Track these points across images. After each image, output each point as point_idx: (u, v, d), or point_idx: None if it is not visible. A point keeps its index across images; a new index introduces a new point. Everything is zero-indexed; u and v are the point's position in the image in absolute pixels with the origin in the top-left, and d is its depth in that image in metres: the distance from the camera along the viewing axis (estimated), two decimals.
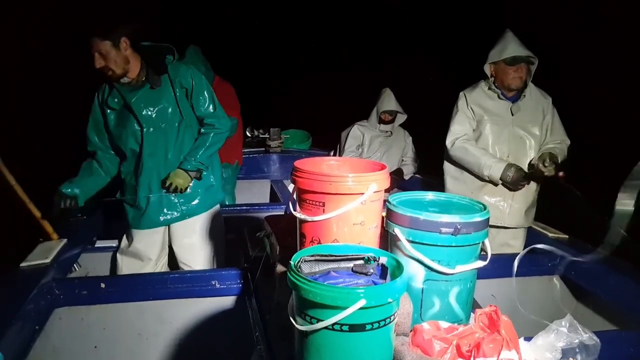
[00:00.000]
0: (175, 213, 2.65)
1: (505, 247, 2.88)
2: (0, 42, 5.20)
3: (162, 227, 2.70)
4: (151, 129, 2.51)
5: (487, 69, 2.85)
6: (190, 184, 2.59)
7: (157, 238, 2.72)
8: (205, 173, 2.66)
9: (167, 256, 2.83)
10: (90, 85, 2.72)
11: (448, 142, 2.92)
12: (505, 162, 2.76)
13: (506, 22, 2.90)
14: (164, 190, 2.57)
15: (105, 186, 2.69)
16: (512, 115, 2.82)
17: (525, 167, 2.82)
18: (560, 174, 2.61)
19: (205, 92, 2.57)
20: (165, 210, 2.63)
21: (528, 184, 2.75)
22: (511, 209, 2.84)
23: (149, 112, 2.49)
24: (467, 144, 2.86)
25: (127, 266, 2.72)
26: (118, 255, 2.75)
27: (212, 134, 2.60)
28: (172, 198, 2.62)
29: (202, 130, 2.63)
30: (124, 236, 2.77)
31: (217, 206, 2.85)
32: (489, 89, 2.87)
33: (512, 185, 2.75)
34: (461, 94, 2.95)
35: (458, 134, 2.90)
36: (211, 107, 2.59)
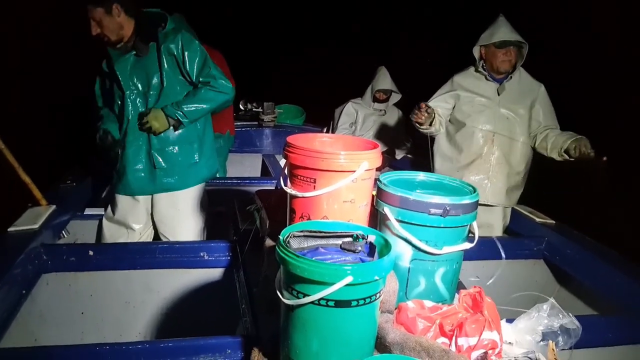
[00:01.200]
0: (154, 184, 2.62)
1: (487, 227, 2.91)
2: (0, 42, 5.11)
3: (144, 196, 2.68)
4: (133, 96, 2.52)
5: (477, 51, 2.92)
6: (167, 130, 2.53)
7: (140, 208, 2.70)
8: (183, 132, 2.57)
9: (152, 230, 2.81)
10: (91, 85, 2.72)
11: None
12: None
13: (506, 7, 2.91)
14: (140, 126, 2.53)
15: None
16: (498, 95, 2.87)
17: (513, 148, 2.88)
18: (604, 158, 2.60)
19: (199, 56, 2.51)
20: (144, 179, 2.61)
21: (424, 124, 2.76)
22: (494, 187, 2.89)
23: (132, 79, 2.50)
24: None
25: (109, 233, 2.71)
26: (103, 221, 2.75)
27: (203, 89, 2.53)
28: (152, 170, 2.59)
29: (199, 85, 2.56)
30: (110, 203, 2.75)
31: (201, 185, 2.78)
32: (476, 70, 2.94)
33: (411, 117, 2.79)
34: (452, 77, 3.03)
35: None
36: (206, 69, 2.53)
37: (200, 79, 2.53)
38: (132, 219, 2.70)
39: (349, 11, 9.88)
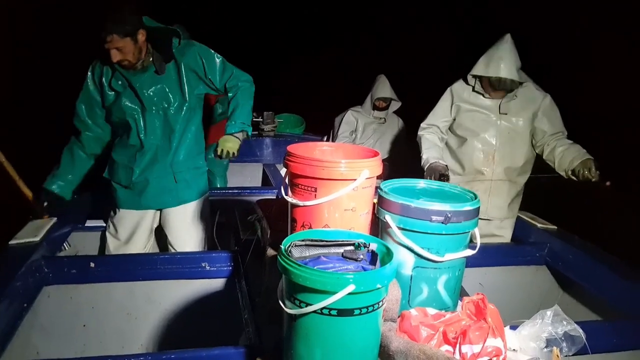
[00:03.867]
0: (171, 198, 2.64)
1: (493, 237, 2.90)
2: (1, 42, 5.14)
3: (152, 210, 2.68)
4: (154, 112, 2.50)
5: (471, 79, 2.80)
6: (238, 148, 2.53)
7: (147, 222, 2.69)
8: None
9: (154, 239, 2.81)
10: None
11: (418, 131, 2.97)
12: (436, 159, 2.74)
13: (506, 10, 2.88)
14: (217, 158, 2.51)
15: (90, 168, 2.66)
16: (500, 111, 2.78)
17: (515, 161, 2.81)
18: (607, 183, 2.55)
19: (217, 64, 2.54)
20: (161, 194, 2.61)
21: (445, 180, 2.63)
22: (494, 202, 2.85)
23: (153, 96, 2.47)
24: (425, 135, 2.90)
25: (114, 248, 2.69)
26: (107, 235, 2.72)
27: (239, 93, 2.57)
28: (171, 185, 2.60)
29: (229, 94, 2.60)
30: (111, 217, 2.71)
31: (208, 193, 2.83)
32: (474, 90, 2.82)
33: (427, 173, 2.71)
34: (450, 88, 2.92)
35: (426, 125, 2.94)
36: (228, 73, 2.57)
37: (227, 85, 2.58)
38: (139, 234, 2.68)
39: (347, 17, 9.92)
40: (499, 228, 2.92)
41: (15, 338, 1.88)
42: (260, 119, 4.88)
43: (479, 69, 2.72)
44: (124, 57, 2.32)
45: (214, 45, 2.59)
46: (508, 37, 2.68)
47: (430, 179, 2.63)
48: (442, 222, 1.38)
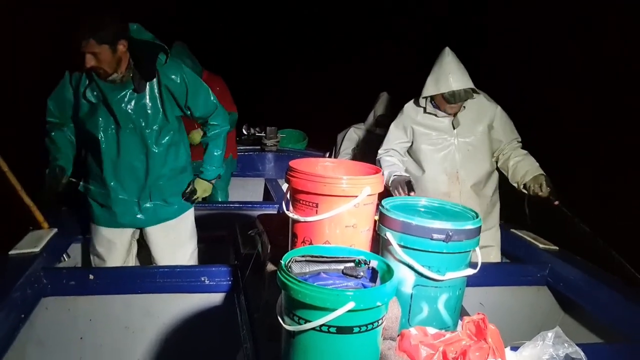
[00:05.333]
0: (148, 217, 2.54)
1: (482, 249, 2.85)
2: (1, 42, 5.18)
3: (130, 229, 2.61)
4: (129, 130, 2.37)
5: (422, 101, 2.73)
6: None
7: (124, 239, 2.60)
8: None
9: (134, 252, 2.73)
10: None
11: (377, 157, 2.91)
12: (398, 174, 2.68)
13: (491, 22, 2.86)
14: (184, 198, 2.61)
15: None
16: (454, 128, 2.74)
17: (479, 176, 2.78)
18: (556, 202, 2.62)
19: (202, 92, 2.45)
20: (137, 213, 2.52)
21: (408, 193, 2.54)
22: None
23: (130, 114, 2.34)
24: (384, 156, 2.84)
25: (95, 265, 2.62)
26: (90, 249, 2.65)
27: (218, 139, 2.60)
28: (147, 204, 2.51)
29: (209, 133, 2.56)
30: (91, 232, 2.61)
31: (192, 209, 2.72)
32: (426, 112, 2.76)
33: (393, 187, 2.62)
34: (401, 112, 2.87)
35: (383, 149, 2.89)
36: (211, 106, 2.50)
37: (210, 120, 2.54)
38: (115, 252, 2.59)
39: (352, 34, 9.99)
40: (487, 240, 2.88)
41: (11, 351, 1.87)
42: (263, 134, 4.90)
43: (430, 89, 2.65)
44: (99, 65, 2.17)
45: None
46: (447, 50, 2.64)
47: (397, 192, 2.58)
48: (444, 241, 1.38)
